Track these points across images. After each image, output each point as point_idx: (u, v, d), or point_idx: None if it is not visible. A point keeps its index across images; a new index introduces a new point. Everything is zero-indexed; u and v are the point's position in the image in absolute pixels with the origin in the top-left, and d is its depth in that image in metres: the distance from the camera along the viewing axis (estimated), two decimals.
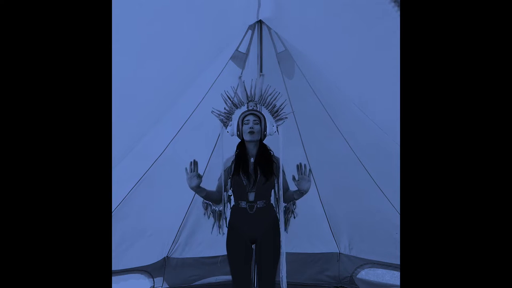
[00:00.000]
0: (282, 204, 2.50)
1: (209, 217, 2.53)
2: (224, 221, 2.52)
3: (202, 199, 2.51)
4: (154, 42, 2.29)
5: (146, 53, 2.34)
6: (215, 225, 2.52)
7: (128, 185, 3.35)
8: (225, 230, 2.54)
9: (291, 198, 2.50)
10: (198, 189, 2.40)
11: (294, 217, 2.53)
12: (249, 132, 2.43)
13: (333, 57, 2.72)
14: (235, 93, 2.49)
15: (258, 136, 2.47)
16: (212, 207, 2.52)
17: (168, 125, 3.24)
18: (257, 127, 2.44)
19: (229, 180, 2.49)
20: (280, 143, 2.44)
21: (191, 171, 2.33)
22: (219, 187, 2.52)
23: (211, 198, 2.51)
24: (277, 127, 2.48)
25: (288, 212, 2.52)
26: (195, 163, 2.33)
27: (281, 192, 2.47)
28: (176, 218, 3.78)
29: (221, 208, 2.51)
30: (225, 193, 2.52)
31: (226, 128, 2.50)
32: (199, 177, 2.36)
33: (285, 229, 2.50)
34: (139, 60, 2.31)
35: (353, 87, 2.93)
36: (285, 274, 2.45)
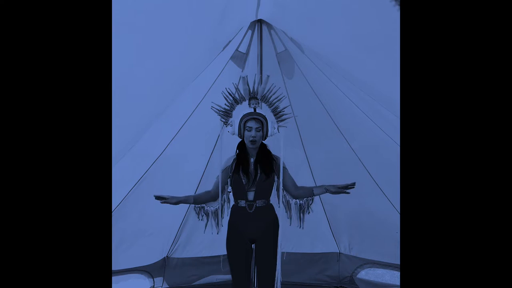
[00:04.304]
0: (282, 201, 2.51)
1: (202, 219, 2.55)
2: (221, 219, 2.53)
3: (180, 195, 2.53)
4: (154, 42, 2.29)
5: (145, 53, 2.33)
6: (208, 224, 2.54)
7: (128, 185, 3.35)
8: (222, 229, 2.54)
9: (307, 194, 2.51)
10: (184, 202, 2.48)
11: (309, 213, 2.55)
12: (250, 141, 2.43)
13: (333, 55, 2.72)
14: (237, 89, 2.47)
15: (260, 142, 2.47)
16: (205, 208, 2.53)
17: (168, 125, 3.24)
18: (259, 135, 2.43)
19: (228, 179, 2.50)
20: (281, 142, 2.45)
21: (164, 201, 2.40)
22: (216, 184, 2.52)
23: (201, 201, 2.54)
24: (278, 128, 2.49)
25: (303, 208, 2.53)
26: (159, 198, 2.39)
27: (281, 189, 2.47)
28: (176, 218, 3.77)
29: (214, 208, 2.52)
30: (225, 191, 2.52)
31: (226, 126, 2.50)
32: (174, 201, 2.42)
33: (300, 225, 2.53)
34: (137, 59, 2.30)
35: (352, 86, 2.93)
36: (280, 275, 2.45)
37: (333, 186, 2.38)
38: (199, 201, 2.53)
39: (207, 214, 2.54)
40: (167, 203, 2.41)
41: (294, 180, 2.54)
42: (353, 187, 2.31)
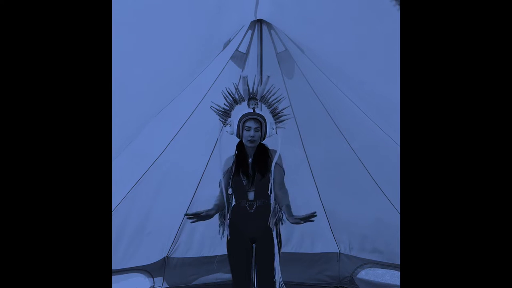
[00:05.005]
0: (273, 197, 2.46)
1: (222, 226, 2.52)
2: (227, 221, 2.52)
3: (209, 207, 2.46)
4: (154, 42, 2.29)
5: (145, 53, 2.34)
6: (222, 228, 2.52)
7: (128, 184, 3.35)
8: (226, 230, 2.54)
9: (281, 203, 2.41)
10: (217, 213, 2.44)
11: (282, 224, 2.50)
12: (249, 141, 2.43)
13: (332, 55, 2.72)
14: (236, 89, 2.47)
15: (258, 142, 2.47)
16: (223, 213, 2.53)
17: (168, 125, 3.24)
18: (257, 135, 2.44)
19: (230, 180, 2.50)
20: (279, 142, 2.45)
21: (197, 219, 2.32)
22: (221, 191, 2.52)
23: (221, 207, 2.49)
24: (276, 129, 2.49)
25: (275, 216, 2.45)
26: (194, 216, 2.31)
27: (271, 184, 2.44)
28: (176, 218, 3.78)
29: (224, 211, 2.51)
30: (228, 194, 2.52)
31: (225, 125, 2.50)
32: (213, 212, 2.39)
33: (272, 228, 2.45)
34: (137, 59, 2.30)
35: (352, 85, 2.93)
36: (280, 275, 2.43)
37: (293, 217, 2.26)
38: (221, 207, 2.49)
39: (224, 218, 2.52)
40: (207, 216, 2.34)
41: (284, 182, 2.48)
42: (316, 215, 2.15)
